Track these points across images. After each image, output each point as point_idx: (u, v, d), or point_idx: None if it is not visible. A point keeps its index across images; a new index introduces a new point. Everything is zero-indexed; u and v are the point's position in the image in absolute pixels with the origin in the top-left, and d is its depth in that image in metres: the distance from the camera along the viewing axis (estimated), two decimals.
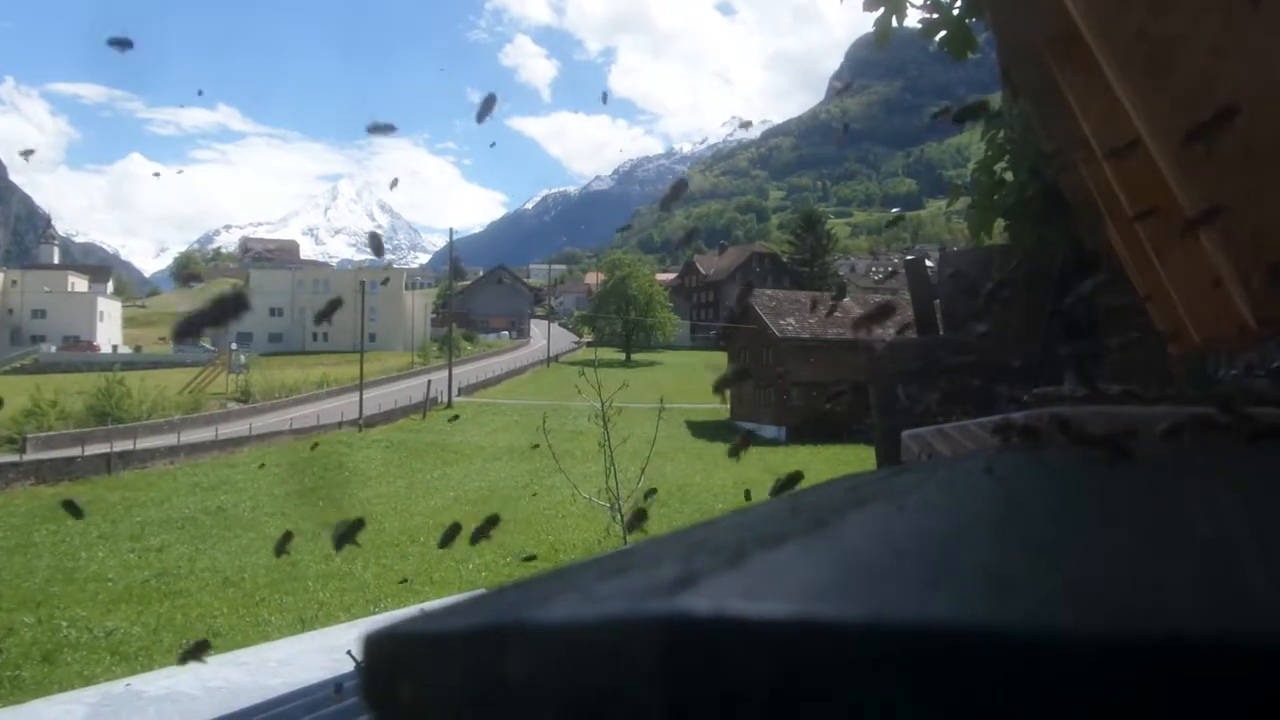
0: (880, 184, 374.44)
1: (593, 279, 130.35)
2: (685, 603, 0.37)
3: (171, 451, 35.34)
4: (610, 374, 9.20)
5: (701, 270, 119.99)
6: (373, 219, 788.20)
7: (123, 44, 2.04)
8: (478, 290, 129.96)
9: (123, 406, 42.64)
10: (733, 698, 0.34)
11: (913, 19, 4.69)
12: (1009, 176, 5.26)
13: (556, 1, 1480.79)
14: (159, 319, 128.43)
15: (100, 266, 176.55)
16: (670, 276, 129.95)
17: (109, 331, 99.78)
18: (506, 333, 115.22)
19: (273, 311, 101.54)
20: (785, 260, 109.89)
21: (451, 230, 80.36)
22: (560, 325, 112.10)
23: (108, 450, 33.16)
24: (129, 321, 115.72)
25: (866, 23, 4.74)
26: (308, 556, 20.03)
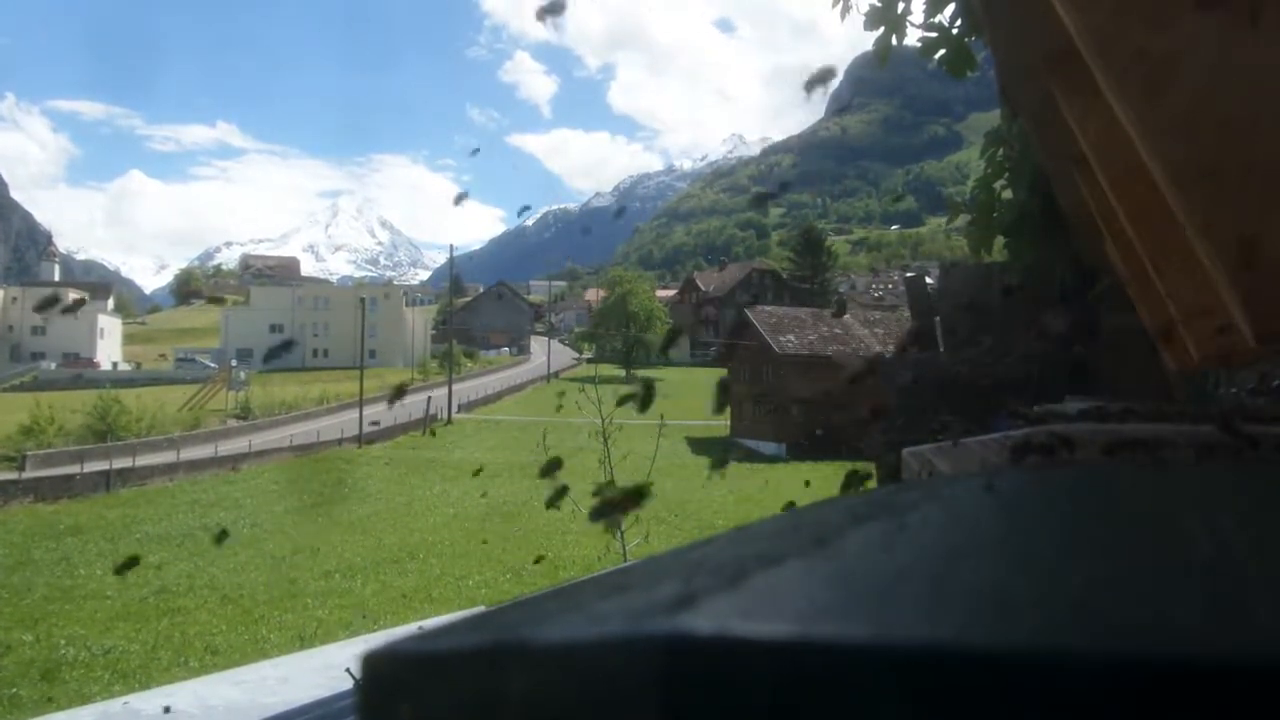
0: (880, 201, 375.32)
1: (593, 295, 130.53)
2: (685, 623, 0.36)
3: (171, 468, 35.28)
4: (610, 390, 9.18)
5: (701, 287, 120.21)
6: (373, 235, 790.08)
7: None
8: (478, 306, 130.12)
9: (119, 424, 42.58)
10: (733, 718, 0.33)
11: (912, 37, 4.72)
12: (1008, 194, 5.27)
13: (555, 19, 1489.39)
14: (159, 336, 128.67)
15: (100, 284, 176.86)
16: (670, 293, 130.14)
17: (109, 348, 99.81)
18: (507, 349, 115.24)
19: (273, 328, 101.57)
20: (785, 277, 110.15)
21: (452, 246, 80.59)
22: (560, 341, 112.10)
23: (107, 467, 33.10)
24: (129, 338, 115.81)
25: (866, 41, 4.76)
26: (306, 574, 19.99)
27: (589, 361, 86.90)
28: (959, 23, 4.50)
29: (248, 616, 16.62)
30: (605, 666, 0.37)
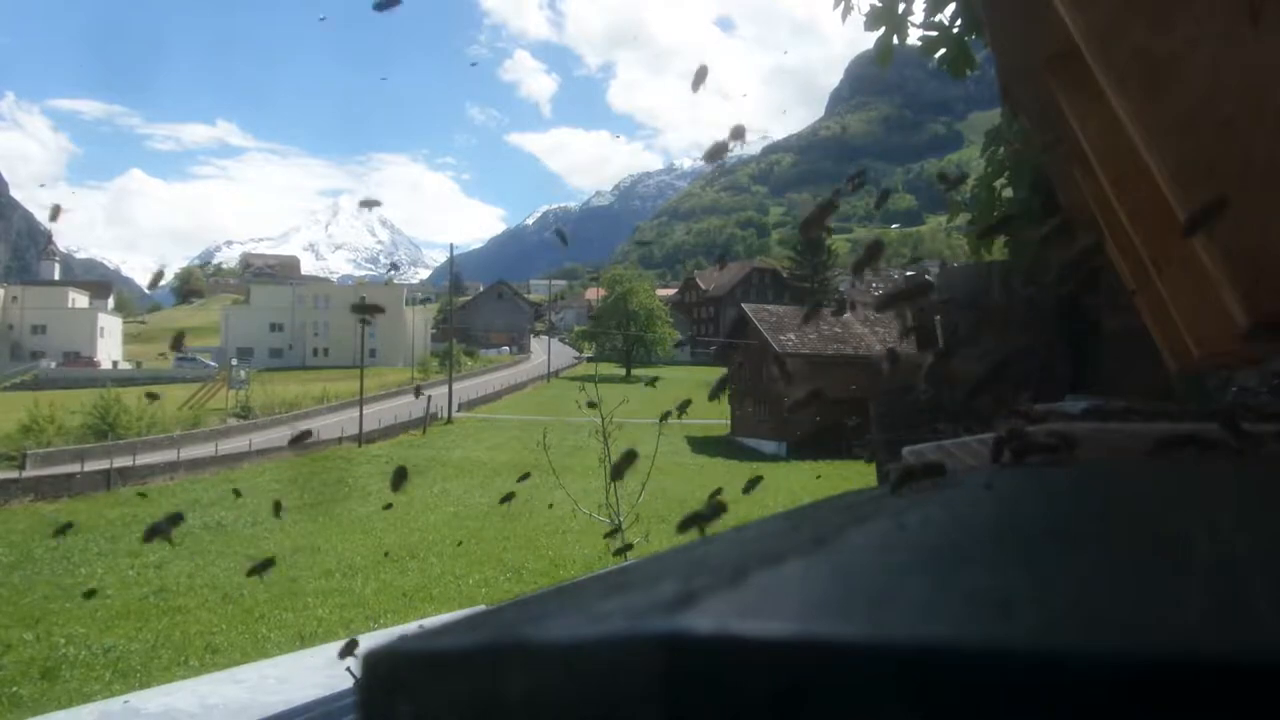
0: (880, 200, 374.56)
1: (593, 294, 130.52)
2: (685, 621, 0.36)
3: (171, 467, 35.30)
4: (610, 389, 9.20)
5: (702, 286, 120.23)
6: (373, 234, 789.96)
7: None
8: (478, 305, 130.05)
9: (120, 423, 42.59)
10: (733, 717, 0.33)
11: (912, 37, 4.72)
12: (1009, 193, 5.27)
13: (555, 17, 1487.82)
14: (159, 335, 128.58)
15: (101, 282, 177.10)
16: (670, 292, 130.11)
17: (109, 347, 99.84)
18: (507, 348, 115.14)
19: (273, 327, 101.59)
20: (785, 275, 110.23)
21: (452, 246, 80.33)
22: (560, 340, 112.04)
23: (107, 466, 33.11)
24: (130, 337, 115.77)
25: (866, 39, 4.77)
26: (307, 573, 19.98)
27: (589, 360, 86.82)
28: (959, 22, 4.50)
29: (248, 616, 16.62)
30: (605, 665, 0.37)
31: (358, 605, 17.29)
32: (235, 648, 14.27)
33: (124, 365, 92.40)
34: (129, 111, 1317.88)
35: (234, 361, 65.99)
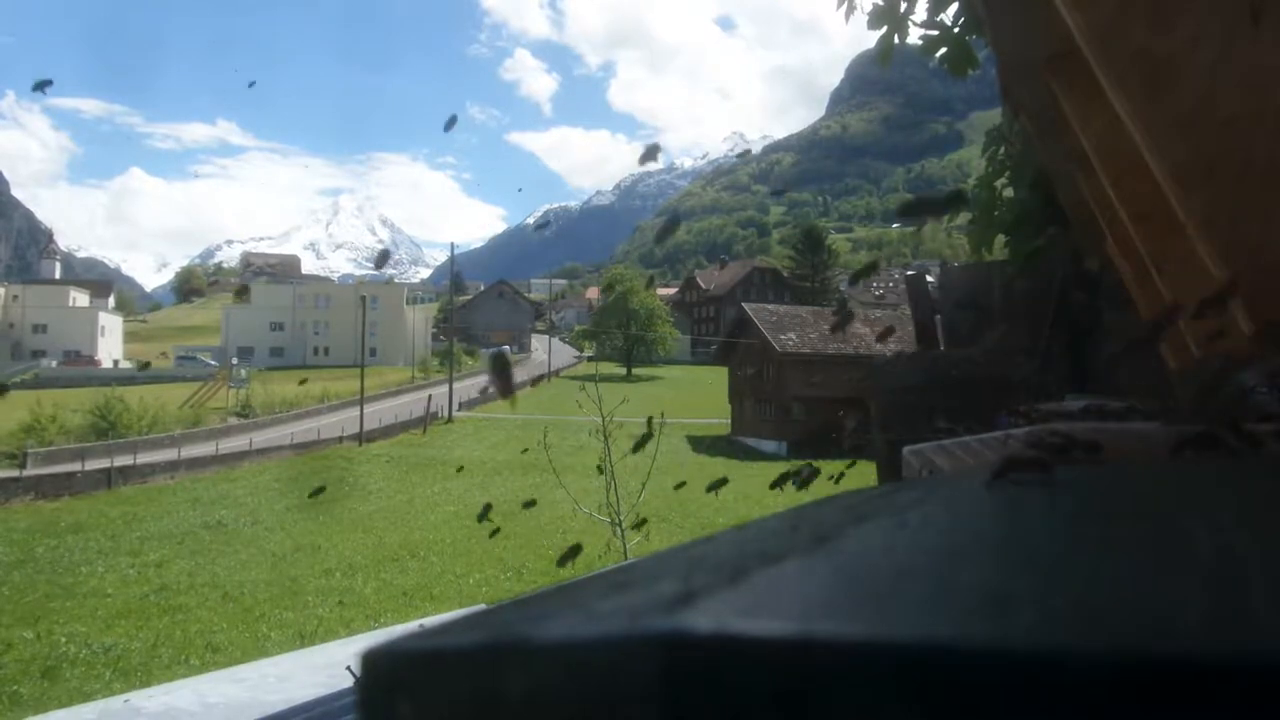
0: (881, 199, 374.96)
1: (594, 294, 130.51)
2: (685, 620, 0.36)
3: (172, 466, 35.31)
4: (611, 388, 9.20)
5: (702, 285, 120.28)
6: (374, 234, 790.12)
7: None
8: (479, 305, 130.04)
9: (122, 422, 42.60)
10: (733, 716, 0.33)
11: (913, 36, 4.72)
12: (1009, 192, 5.28)
13: (556, 16, 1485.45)
14: (160, 334, 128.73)
15: (102, 281, 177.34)
16: (671, 291, 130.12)
17: (110, 346, 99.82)
18: (507, 347, 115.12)
19: (274, 326, 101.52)
20: (786, 275, 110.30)
21: (453, 245, 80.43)
22: (561, 339, 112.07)
23: (108, 465, 33.13)
24: (130, 336, 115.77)
25: (867, 39, 4.78)
26: (307, 572, 19.99)
27: (589, 359, 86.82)
28: (960, 22, 4.50)
29: (249, 615, 16.63)
30: (605, 664, 0.37)
31: (358, 604, 17.30)
32: (236, 646, 14.30)
33: (125, 364, 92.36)
34: (129, 110, 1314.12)
35: (234, 360, 66.01)
